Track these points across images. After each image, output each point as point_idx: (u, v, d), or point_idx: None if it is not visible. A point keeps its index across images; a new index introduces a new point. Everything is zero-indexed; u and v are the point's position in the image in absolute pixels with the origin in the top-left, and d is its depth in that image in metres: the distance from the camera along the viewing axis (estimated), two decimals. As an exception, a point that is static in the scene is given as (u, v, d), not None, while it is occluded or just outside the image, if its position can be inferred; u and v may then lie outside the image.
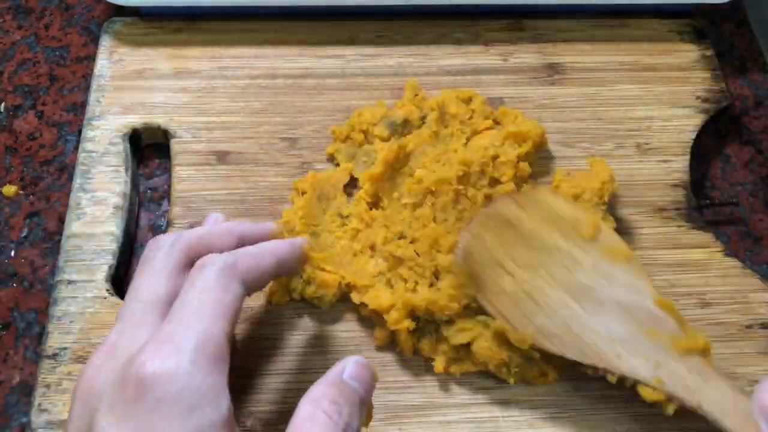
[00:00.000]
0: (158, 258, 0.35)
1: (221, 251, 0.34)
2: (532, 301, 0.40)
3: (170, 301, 0.32)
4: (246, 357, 0.41)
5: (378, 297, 0.41)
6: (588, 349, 0.38)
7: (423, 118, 0.48)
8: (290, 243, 0.38)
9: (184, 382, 0.28)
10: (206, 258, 0.33)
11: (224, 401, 0.29)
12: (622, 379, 0.38)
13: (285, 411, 0.40)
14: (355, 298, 0.42)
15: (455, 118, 0.48)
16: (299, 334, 0.42)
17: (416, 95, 0.49)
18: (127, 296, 0.34)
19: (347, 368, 0.32)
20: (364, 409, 0.32)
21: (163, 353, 0.29)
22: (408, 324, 0.40)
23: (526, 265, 0.40)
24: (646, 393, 0.36)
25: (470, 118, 0.48)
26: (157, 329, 0.30)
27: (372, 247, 0.43)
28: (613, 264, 0.40)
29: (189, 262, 0.35)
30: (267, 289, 0.42)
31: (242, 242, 0.37)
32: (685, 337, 0.37)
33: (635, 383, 0.37)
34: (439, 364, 0.40)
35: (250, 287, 0.34)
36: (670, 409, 0.36)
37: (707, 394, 0.35)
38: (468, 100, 0.49)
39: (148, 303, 0.33)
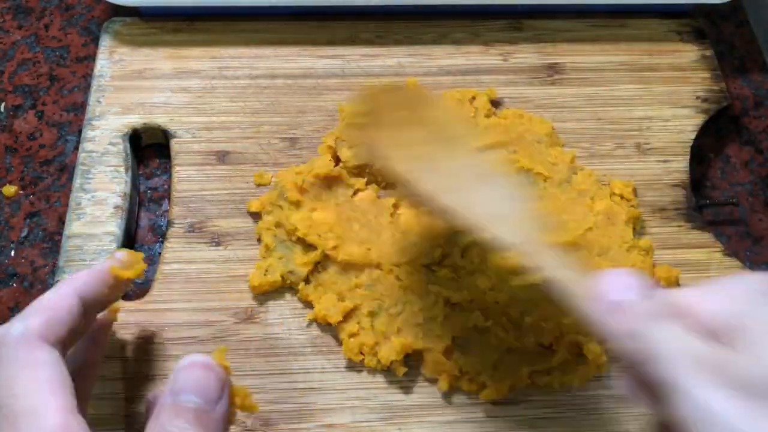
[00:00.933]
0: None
1: (69, 318, 0.32)
2: (427, 166, 0.38)
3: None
4: (246, 357, 0.41)
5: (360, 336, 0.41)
6: (467, 213, 0.36)
7: None
8: (88, 272, 0.35)
9: None
10: None
11: None
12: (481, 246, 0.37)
13: (285, 411, 0.40)
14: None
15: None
16: (299, 334, 0.42)
17: None
18: None
19: (177, 380, 0.29)
20: (222, 405, 0.29)
21: None
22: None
23: (420, 138, 0.39)
24: (497, 260, 0.35)
25: (474, 116, 0.48)
26: None
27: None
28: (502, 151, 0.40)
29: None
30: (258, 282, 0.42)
31: (84, 297, 0.33)
32: (556, 229, 0.36)
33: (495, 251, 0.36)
34: (443, 383, 0.41)
35: (62, 340, 0.31)
36: (518, 281, 0.34)
37: (561, 272, 0.32)
38: (472, 99, 0.49)
39: None
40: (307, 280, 0.43)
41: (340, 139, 0.47)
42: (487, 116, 0.48)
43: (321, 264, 0.43)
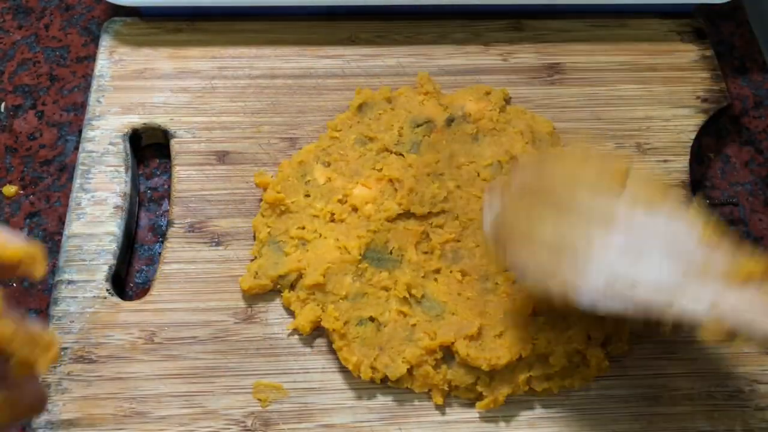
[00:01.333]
0: None
1: None
2: (570, 256, 0.36)
3: None
4: (246, 356, 0.41)
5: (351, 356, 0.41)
6: (634, 303, 0.34)
7: (449, 120, 0.48)
8: None
9: None
10: None
11: None
12: (677, 326, 0.34)
13: (285, 411, 0.40)
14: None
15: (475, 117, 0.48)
16: (299, 334, 0.42)
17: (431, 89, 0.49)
18: None
19: None
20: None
21: None
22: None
23: (556, 226, 0.37)
24: (705, 334, 0.33)
25: (491, 110, 0.48)
26: None
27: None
28: (649, 208, 0.36)
29: None
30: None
31: None
32: (739, 265, 0.33)
33: (693, 326, 0.33)
34: (436, 397, 0.40)
35: None
36: (736, 345, 0.34)
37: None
38: (487, 93, 0.49)
39: None
40: (292, 287, 0.43)
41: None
42: (501, 111, 0.48)
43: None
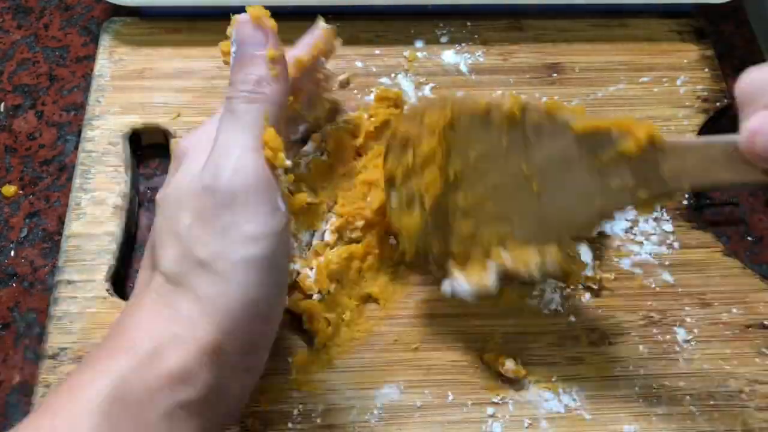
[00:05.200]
0: None
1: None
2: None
3: None
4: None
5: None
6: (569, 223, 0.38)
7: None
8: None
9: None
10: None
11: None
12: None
13: (285, 411, 0.40)
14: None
15: None
16: (299, 333, 0.42)
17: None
18: None
19: (231, 45, 0.34)
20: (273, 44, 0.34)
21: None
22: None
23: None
24: (642, 211, 0.36)
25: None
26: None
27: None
28: (542, 127, 0.37)
29: None
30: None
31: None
32: (630, 139, 0.35)
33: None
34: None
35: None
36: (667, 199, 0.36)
37: (677, 163, 0.34)
38: None
39: None
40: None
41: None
42: None
43: None
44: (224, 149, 0.32)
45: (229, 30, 0.34)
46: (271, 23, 0.34)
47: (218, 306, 0.30)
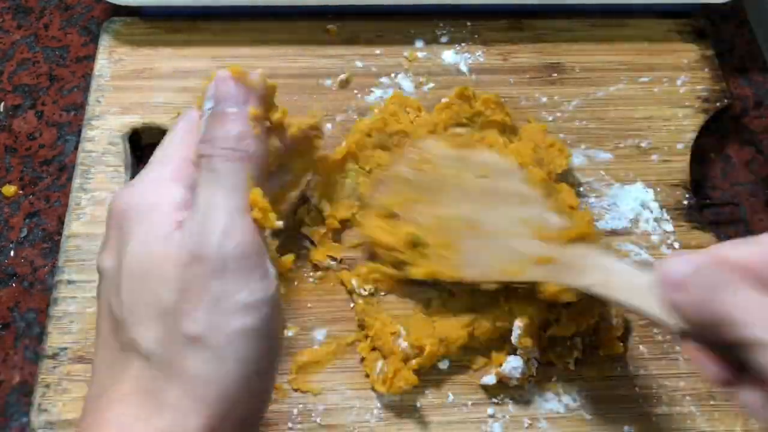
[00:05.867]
0: None
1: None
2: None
3: None
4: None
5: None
6: (490, 270, 0.39)
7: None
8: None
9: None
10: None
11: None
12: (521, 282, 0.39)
13: (285, 411, 0.40)
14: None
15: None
16: (298, 333, 0.42)
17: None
18: None
19: (206, 101, 0.32)
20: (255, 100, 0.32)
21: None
22: None
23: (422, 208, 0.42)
24: (548, 290, 0.37)
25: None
26: None
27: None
28: (498, 176, 0.41)
29: None
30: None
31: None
32: (570, 227, 0.38)
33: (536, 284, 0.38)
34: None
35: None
36: (567, 297, 0.37)
37: (598, 276, 0.35)
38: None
39: None
40: None
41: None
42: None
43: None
44: (208, 211, 0.29)
45: (205, 84, 0.32)
46: (272, 84, 0.33)
47: (212, 386, 0.27)
